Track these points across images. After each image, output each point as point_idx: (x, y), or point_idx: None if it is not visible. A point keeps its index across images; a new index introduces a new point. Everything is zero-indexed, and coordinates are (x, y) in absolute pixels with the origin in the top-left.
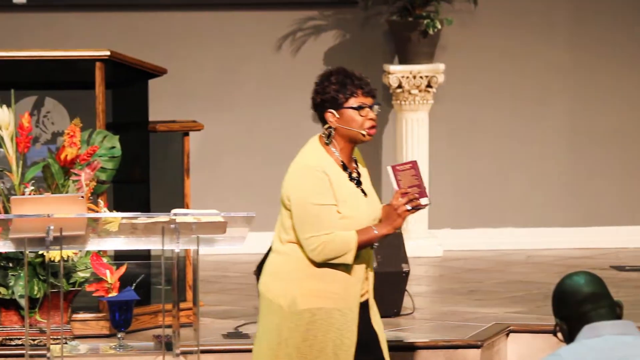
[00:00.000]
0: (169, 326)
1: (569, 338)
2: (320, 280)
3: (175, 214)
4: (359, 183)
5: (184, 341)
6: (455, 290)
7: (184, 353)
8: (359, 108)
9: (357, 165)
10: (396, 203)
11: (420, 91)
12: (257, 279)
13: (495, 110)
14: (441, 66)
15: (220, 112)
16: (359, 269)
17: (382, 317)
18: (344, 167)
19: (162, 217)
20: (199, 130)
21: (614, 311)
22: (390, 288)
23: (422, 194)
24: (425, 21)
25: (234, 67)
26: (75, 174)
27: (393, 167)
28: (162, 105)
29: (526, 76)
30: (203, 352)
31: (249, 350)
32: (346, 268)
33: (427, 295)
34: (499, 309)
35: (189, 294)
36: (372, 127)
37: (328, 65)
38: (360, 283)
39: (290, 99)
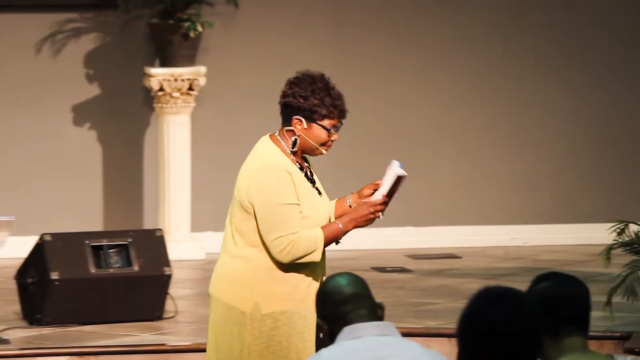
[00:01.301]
0: None
1: (331, 339)
2: (281, 284)
3: None
4: (313, 182)
5: None
6: None
7: None
8: (328, 130)
9: (308, 164)
10: (374, 201)
11: (182, 94)
12: (18, 283)
13: (256, 114)
14: (202, 69)
15: None
16: (318, 270)
17: (144, 320)
18: (300, 167)
19: None
20: None
21: (375, 312)
22: (152, 291)
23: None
24: (187, 24)
25: None
26: None
27: (399, 172)
28: None
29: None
30: None
31: (8, 356)
32: (306, 270)
33: (190, 299)
34: None
35: None
36: (330, 146)
37: (89, 68)
38: (319, 284)
39: (50, 101)
